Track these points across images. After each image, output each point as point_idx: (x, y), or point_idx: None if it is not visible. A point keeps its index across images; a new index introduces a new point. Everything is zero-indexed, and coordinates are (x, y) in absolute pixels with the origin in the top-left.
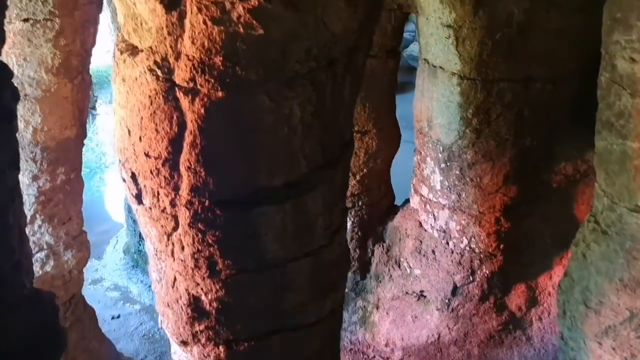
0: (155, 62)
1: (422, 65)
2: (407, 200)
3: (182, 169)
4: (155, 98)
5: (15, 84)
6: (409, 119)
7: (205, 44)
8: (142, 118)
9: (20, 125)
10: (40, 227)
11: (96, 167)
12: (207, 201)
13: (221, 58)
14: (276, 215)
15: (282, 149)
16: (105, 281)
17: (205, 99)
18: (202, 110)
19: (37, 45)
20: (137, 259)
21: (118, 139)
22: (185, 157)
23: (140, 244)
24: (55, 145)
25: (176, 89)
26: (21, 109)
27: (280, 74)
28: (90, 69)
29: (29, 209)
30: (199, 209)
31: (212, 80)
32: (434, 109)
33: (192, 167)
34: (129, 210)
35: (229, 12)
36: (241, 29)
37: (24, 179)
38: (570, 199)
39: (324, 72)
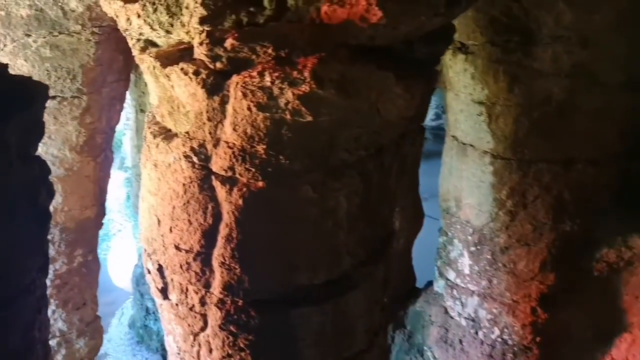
0: (192, 149)
1: (450, 142)
2: (430, 283)
3: (215, 264)
4: (189, 186)
5: None
6: (431, 191)
7: (248, 130)
8: (174, 207)
9: None
10: (54, 312)
11: (102, 234)
12: (240, 301)
13: (264, 146)
14: (316, 317)
15: (324, 244)
16: (109, 358)
17: (244, 189)
18: (240, 201)
19: (63, 123)
20: (143, 335)
21: (146, 228)
22: (220, 252)
23: (146, 319)
24: (75, 226)
25: (213, 177)
26: None
27: (326, 164)
28: (113, 144)
29: None
30: (232, 309)
31: (253, 169)
32: (463, 188)
33: (227, 262)
34: (136, 283)
35: (276, 98)
36: (288, 116)
37: None
38: (614, 289)
39: (372, 160)
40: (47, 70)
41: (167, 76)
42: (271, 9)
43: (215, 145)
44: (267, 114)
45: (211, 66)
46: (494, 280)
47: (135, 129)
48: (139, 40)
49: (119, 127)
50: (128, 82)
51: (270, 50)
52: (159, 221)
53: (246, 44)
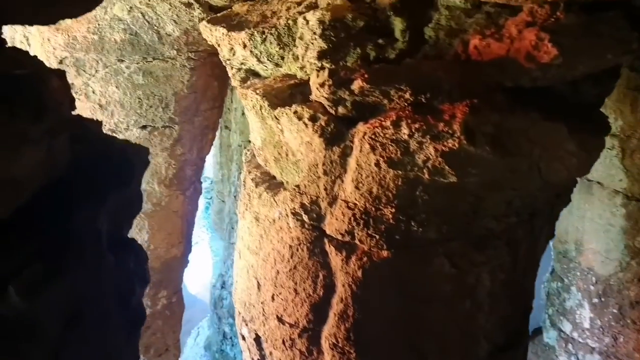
0: (302, 205)
1: None
2: (538, 331)
3: (325, 344)
4: (297, 249)
5: None
6: None
7: (374, 190)
8: (277, 272)
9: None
10: None
11: None
12: None
13: (393, 209)
14: None
15: (459, 328)
16: None
17: (365, 259)
18: (359, 273)
19: (153, 154)
20: (219, 359)
21: (242, 290)
22: (331, 331)
23: (223, 343)
24: (160, 265)
25: (326, 241)
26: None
27: (468, 233)
28: (202, 175)
29: None
30: None
31: (377, 236)
32: (585, 231)
33: (339, 344)
34: (214, 305)
35: (413, 153)
36: (426, 175)
37: None
38: None
39: (522, 227)
40: (139, 98)
41: (277, 118)
42: (404, 42)
43: (331, 204)
44: (400, 172)
45: (332, 111)
46: (620, 338)
47: (219, 145)
48: (240, 69)
49: None
50: (221, 110)
51: (407, 95)
52: (258, 285)
53: (378, 87)
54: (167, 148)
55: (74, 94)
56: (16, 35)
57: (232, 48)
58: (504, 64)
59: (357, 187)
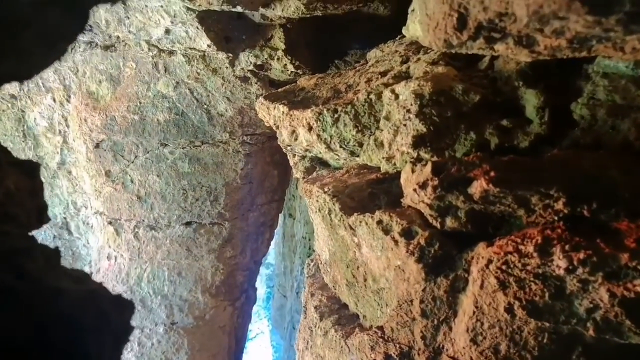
0: (387, 357)
1: None
2: None
3: None
4: None
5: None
6: None
7: (502, 347)
8: None
9: None
10: None
11: None
12: None
13: None
14: None
15: None
16: None
17: None
18: None
19: (198, 256)
20: None
21: None
22: None
23: None
24: None
25: None
26: (164, 343)
27: None
28: (257, 281)
29: None
30: None
31: None
32: None
33: None
34: None
35: (570, 297)
36: (590, 332)
37: None
38: None
39: None
40: (184, 189)
41: (352, 229)
42: (541, 124)
43: None
44: (547, 324)
45: (436, 224)
46: None
47: (282, 234)
48: (303, 157)
49: None
50: (282, 204)
51: (559, 204)
52: None
53: (511, 191)
54: (215, 249)
55: (110, 183)
56: (54, 115)
57: (294, 131)
58: None
59: (474, 341)
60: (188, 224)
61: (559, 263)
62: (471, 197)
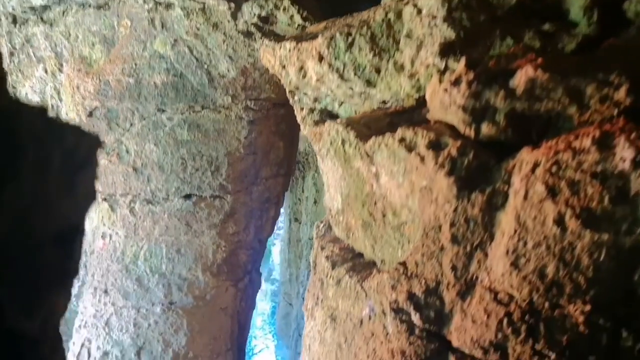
0: (411, 296)
1: None
2: None
3: None
4: None
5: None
6: None
7: (550, 270)
8: None
9: (157, 346)
10: None
11: None
12: None
13: (587, 306)
14: None
15: None
16: None
17: None
18: None
19: (198, 232)
20: None
21: None
22: None
23: None
24: None
25: (451, 357)
26: (161, 323)
27: None
28: (261, 264)
29: None
30: None
31: (552, 354)
32: None
33: None
34: None
35: (636, 200)
36: None
37: None
38: None
39: None
40: (183, 159)
41: (368, 156)
42: (590, 24)
43: (464, 295)
44: (605, 236)
45: (469, 132)
46: None
47: (288, 240)
48: (312, 111)
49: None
50: (289, 180)
51: (620, 93)
52: None
53: (563, 79)
54: (216, 225)
55: (104, 155)
56: (47, 88)
57: (302, 66)
58: None
59: (515, 265)
60: (187, 197)
61: (624, 154)
62: (513, 93)
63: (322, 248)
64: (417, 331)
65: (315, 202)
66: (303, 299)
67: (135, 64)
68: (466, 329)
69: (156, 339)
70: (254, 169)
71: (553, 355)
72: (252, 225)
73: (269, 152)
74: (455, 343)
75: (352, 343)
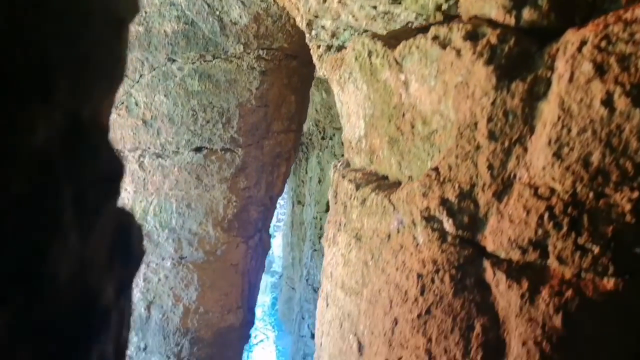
0: (443, 202)
1: None
2: None
3: None
4: (433, 280)
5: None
6: None
7: (595, 159)
8: (395, 322)
9: (167, 301)
10: None
11: None
12: None
13: (635, 194)
14: None
15: None
16: None
17: (568, 293)
18: (557, 319)
19: (208, 186)
20: None
21: (331, 356)
22: None
23: None
24: (212, 336)
25: (487, 264)
26: (172, 278)
27: None
28: (272, 225)
29: None
30: None
31: (595, 250)
32: None
33: None
34: None
35: None
36: None
37: None
38: None
39: None
40: (193, 111)
41: (397, 64)
42: None
43: (500, 196)
44: None
45: (509, 20)
46: None
47: (290, 223)
48: (329, 47)
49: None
50: (299, 136)
51: None
52: (360, 346)
53: None
54: (227, 179)
55: (113, 109)
56: None
57: None
58: None
59: (557, 156)
60: (198, 149)
61: None
62: None
63: (344, 176)
64: (449, 238)
65: (319, 181)
66: (307, 281)
67: (145, 12)
68: (502, 230)
69: (166, 294)
70: (265, 122)
71: (597, 249)
72: (264, 180)
73: (280, 106)
74: (490, 247)
75: (379, 258)
